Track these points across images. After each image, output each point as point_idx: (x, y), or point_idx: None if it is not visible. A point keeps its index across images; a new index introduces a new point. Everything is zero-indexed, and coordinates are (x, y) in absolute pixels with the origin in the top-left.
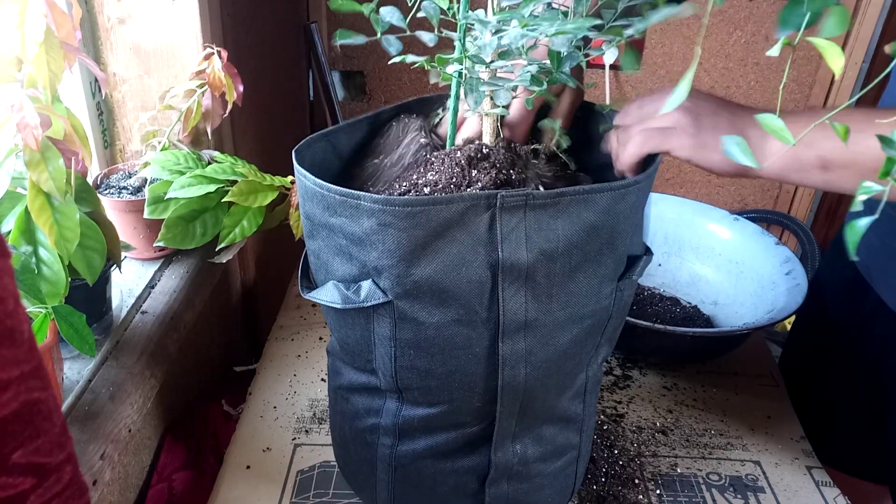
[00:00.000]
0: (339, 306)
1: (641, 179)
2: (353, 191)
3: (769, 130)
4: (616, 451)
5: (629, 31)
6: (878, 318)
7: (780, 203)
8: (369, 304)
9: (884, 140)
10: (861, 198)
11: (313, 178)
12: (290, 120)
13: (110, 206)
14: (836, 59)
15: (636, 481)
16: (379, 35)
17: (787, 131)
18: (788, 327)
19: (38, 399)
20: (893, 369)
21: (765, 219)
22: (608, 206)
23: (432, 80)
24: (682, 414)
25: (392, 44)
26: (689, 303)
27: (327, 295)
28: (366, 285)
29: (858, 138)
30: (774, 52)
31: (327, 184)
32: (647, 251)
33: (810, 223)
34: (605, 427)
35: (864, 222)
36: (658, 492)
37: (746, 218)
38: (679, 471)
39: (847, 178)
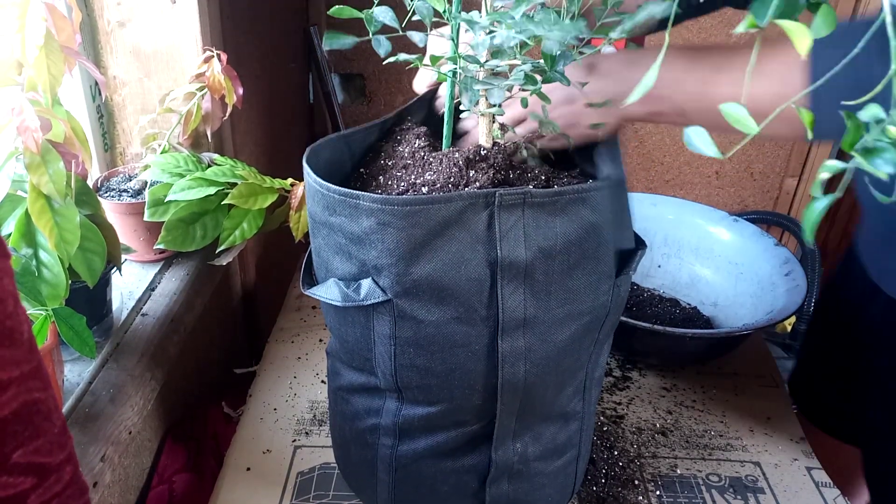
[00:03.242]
0: (339, 304)
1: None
2: (351, 190)
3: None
4: (616, 453)
5: (617, 31)
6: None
7: (779, 204)
8: (369, 302)
9: (848, 116)
10: (823, 176)
11: (314, 176)
12: (290, 122)
13: (110, 208)
14: (801, 41)
15: (636, 482)
16: (371, 35)
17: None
18: (788, 328)
19: (37, 399)
20: (869, 329)
21: (764, 220)
22: (605, 203)
23: (415, 87)
24: (682, 415)
25: (382, 44)
26: (689, 304)
27: (327, 292)
28: (366, 284)
29: (710, 89)
30: (740, 28)
31: (327, 183)
32: (641, 244)
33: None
34: (604, 428)
35: (822, 204)
36: (658, 493)
37: (746, 219)
38: (679, 472)
39: (705, 124)
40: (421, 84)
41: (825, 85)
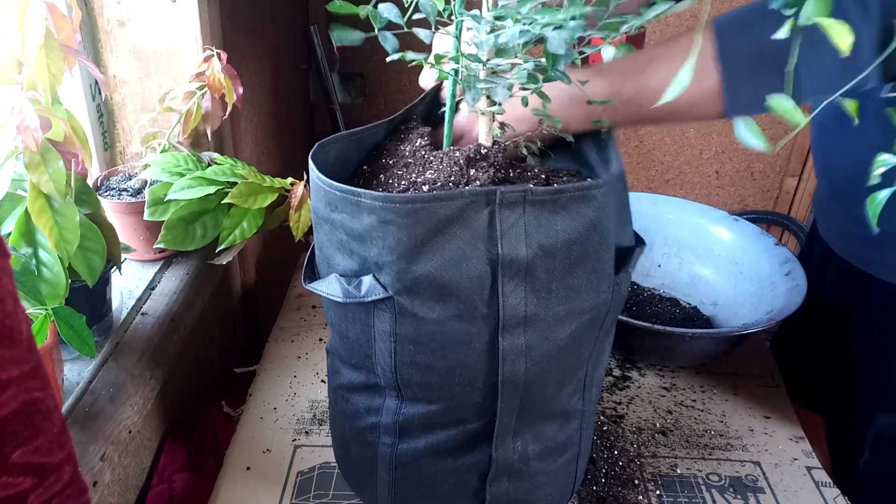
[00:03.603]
0: (339, 300)
1: (620, 174)
2: (353, 188)
3: None
4: (616, 452)
5: (624, 28)
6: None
7: (779, 204)
8: (370, 299)
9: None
10: (878, 171)
11: (317, 172)
12: (289, 122)
13: (110, 207)
14: (843, 38)
15: (636, 482)
16: (377, 31)
17: None
18: None
19: (37, 399)
20: (830, 298)
21: (765, 220)
22: (606, 201)
23: (422, 83)
24: (682, 414)
25: (388, 40)
26: (689, 303)
27: (328, 287)
28: (367, 280)
29: (640, 99)
30: (782, 34)
31: (329, 179)
32: (639, 241)
33: (810, 224)
34: (604, 428)
35: (883, 194)
36: (658, 492)
37: (746, 219)
38: (679, 471)
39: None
40: (427, 80)
41: (736, 66)
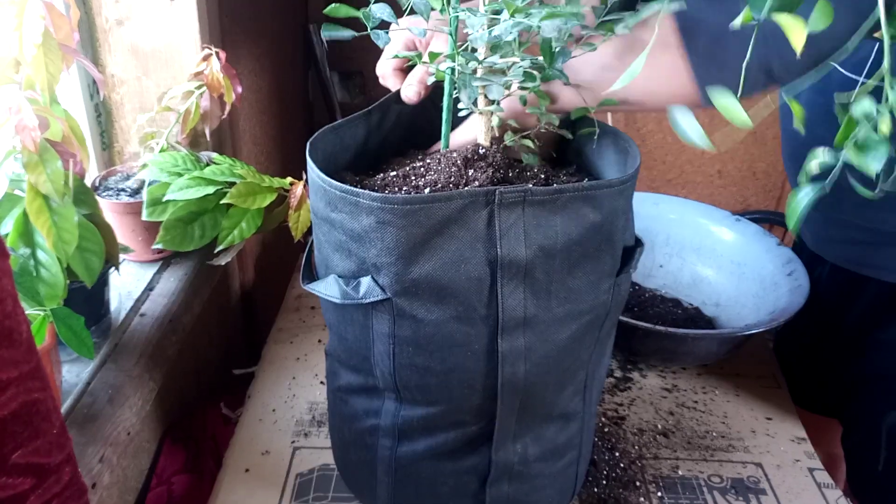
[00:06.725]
0: (337, 301)
1: (633, 176)
2: (352, 188)
3: None
4: (617, 454)
5: (620, 27)
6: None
7: (781, 204)
8: (368, 300)
9: (842, 110)
10: (812, 165)
11: (318, 171)
12: (289, 121)
13: (108, 208)
14: (797, 35)
15: (637, 484)
16: (370, 30)
17: None
18: None
19: (37, 400)
20: (826, 299)
21: (767, 220)
22: (608, 202)
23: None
24: (684, 416)
25: (381, 38)
26: (691, 304)
27: (327, 289)
28: (365, 282)
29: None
30: (736, 23)
31: (328, 178)
32: (638, 242)
33: None
34: (605, 429)
35: (802, 194)
36: (659, 494)
37: (748, 219)
38: (680, 473)
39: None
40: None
41: (701, 52)
